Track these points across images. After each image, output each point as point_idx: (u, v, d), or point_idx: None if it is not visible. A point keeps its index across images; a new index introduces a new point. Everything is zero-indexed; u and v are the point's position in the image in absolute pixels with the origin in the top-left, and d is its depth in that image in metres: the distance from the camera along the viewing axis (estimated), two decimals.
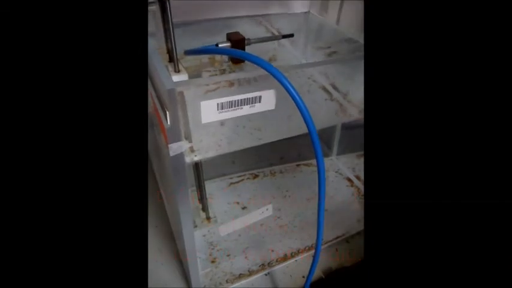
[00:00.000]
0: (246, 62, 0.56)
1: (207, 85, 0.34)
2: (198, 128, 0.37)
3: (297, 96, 0.32)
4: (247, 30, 0.75)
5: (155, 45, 0.44)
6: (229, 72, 0.52)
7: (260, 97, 0.37)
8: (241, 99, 0.36)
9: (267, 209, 0.56)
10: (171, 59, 0.46)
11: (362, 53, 0.25)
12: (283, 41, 0.73)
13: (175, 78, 0.39)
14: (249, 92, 0.36)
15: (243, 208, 0.63)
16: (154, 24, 0.47)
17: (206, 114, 0.36)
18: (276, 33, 0.73)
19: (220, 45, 0.51)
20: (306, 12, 0.74)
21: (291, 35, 0.64)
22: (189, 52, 0.47)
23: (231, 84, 0.36)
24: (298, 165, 0.77)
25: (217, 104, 0.35)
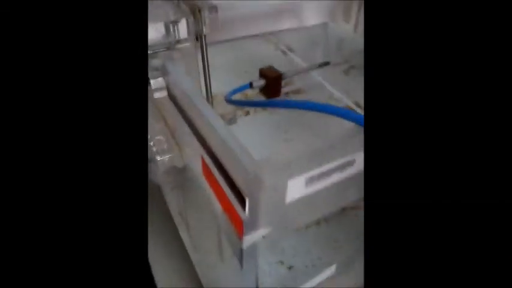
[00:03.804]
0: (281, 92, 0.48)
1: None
2: (278, 209, 0.28)
3: None
4: (258, 51, 0.67)
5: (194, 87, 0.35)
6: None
7: (354, 160, 0.29)
8: (334, 167, 0.28)
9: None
10: None
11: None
12: (298, 59, 0.65)
13: None
14: (339, 157, 0.28)
15: (289, 268, 0.52)
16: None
17: (291, 193, 0.27)
18: (287, 50, 0.65)
19: (254, 84, 0.43)
20: (323, 24, 0.66)
21: (327, 63, 0.56)
22: (232, 102, 0.39)
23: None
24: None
25: (306, 179, 0.27)
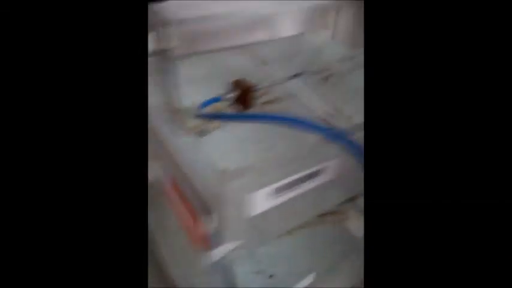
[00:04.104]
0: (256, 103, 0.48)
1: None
2: (245, 221, 0.28)
3: None
4: (232, 63, 0.67)
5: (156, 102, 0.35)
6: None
7: (323, 169, 0.29)
8: (301, 177, 0.28)
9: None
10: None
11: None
12: (273, 70, 0.65)
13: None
14: (308, 167, 0.28)
15: (270, 277, 0.51)
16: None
17: (258, 204, 0.27)
18: (262, 62, 0.66)
19: (227, 96, 0.43)
20: (300, 34, 0.67)
21: (300, 74, 0.56)
22: (202, 116, 0.38)
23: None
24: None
25: (272, 190, 0.27)
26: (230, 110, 0.43)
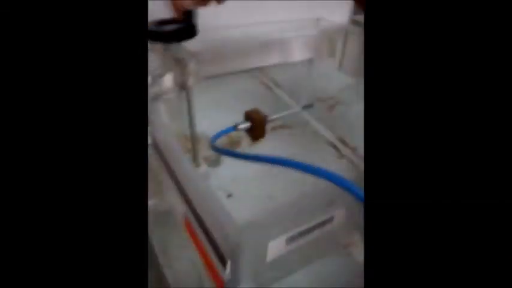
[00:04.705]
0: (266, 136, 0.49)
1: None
2: (259, 268, 0.29)
3: None
4: (242, 87, 0.68)
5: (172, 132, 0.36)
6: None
7: (333, 217, 0.29)
8: (313, 225, 0.28)
9: None
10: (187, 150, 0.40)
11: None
12: (284, 95, 0.66)
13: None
14: (320, 215, 0.29)
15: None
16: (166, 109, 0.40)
17: (272, 252, 0.28)
18: (273, 86, 0.67)
19: (239, 126, 0.44)
20: (309, 59, 0.68)
21: (311, 105, 0.57)
22: (214, 149, 0.39)
23: None
24: None
25: (286, 238, 0.28)
26: (244, 140, 0.44)
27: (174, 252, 0.48)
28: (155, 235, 0.54)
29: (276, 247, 0.27)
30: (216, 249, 0.27)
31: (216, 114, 0.61)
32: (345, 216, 0.30)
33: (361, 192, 0.26)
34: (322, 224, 0.29)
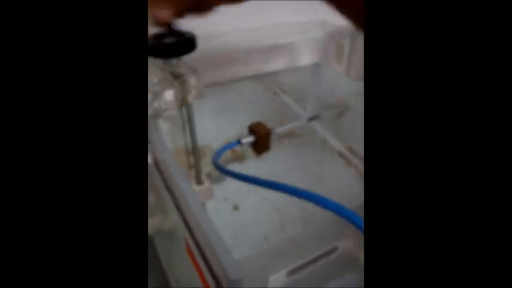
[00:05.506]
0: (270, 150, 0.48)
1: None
2: None
3: None
4: (248, 93, 0.67)
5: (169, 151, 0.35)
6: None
7: (336, 247, 0.28)
8: (315, 257, 0.27)
9: None
10: (190, 166, 0.39)
11: None
12: (290, 101, 0.64)
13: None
14: (323, 246, 0.28)
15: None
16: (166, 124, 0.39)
17: (272, 285, 0.27)
18: (279, 92, 0.65)
19: (243, 140, 0.43)
20: (316, 64, 0.66)
21: (317, 117, 0.56)
22: (219, 169, 0.38)
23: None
24: None
25: (287, 271, 0.26)
26: (248, 153, 0.43)
27: (179, 265, 0.48)
28: (161, 246, 0.53)
29: (276, 280, 0.26)
30: (215, 280, 0.26)
31: (222, 122, 0.59)
32: (350, 245, 0.29)
33: (362, 223, 0.24)
34: (326, 254, 0.28)
